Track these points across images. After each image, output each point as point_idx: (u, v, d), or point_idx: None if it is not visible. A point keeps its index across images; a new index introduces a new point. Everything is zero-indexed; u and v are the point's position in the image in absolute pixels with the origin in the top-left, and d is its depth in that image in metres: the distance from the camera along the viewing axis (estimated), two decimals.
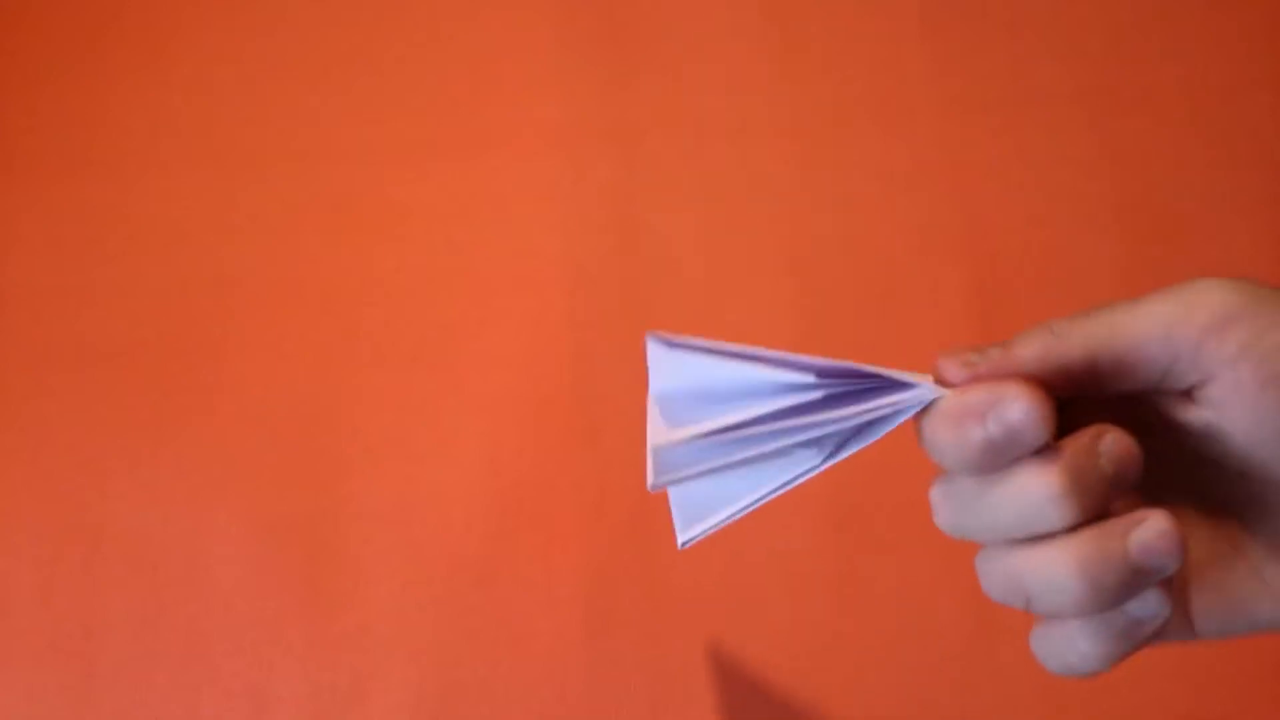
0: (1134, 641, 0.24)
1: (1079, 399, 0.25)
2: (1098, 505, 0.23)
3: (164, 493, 0.57)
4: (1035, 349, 0.25)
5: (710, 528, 0.28)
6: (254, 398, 0.58)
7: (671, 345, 0.28)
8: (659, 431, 0.28)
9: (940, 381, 0.25)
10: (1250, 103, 0.62)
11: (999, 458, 0.23)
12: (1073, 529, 0.23)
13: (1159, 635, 0.25)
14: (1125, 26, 0.64)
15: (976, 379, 0.24)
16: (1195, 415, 0.25)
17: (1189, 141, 0.61)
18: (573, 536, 0.55)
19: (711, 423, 0.27)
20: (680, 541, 0.29)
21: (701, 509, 0.29)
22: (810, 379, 0.26)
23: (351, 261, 0.61)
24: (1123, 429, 0.24)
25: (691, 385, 0.28)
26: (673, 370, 0.28)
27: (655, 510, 0.55)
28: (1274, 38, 0.63)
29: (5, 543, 0.56)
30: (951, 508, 0.25)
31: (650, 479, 0.28)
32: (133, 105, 0.64)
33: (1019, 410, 0.23)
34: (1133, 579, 0.23)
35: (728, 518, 0.28)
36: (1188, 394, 0.25)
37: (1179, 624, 0.26)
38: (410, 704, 0.53)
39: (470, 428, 0.57)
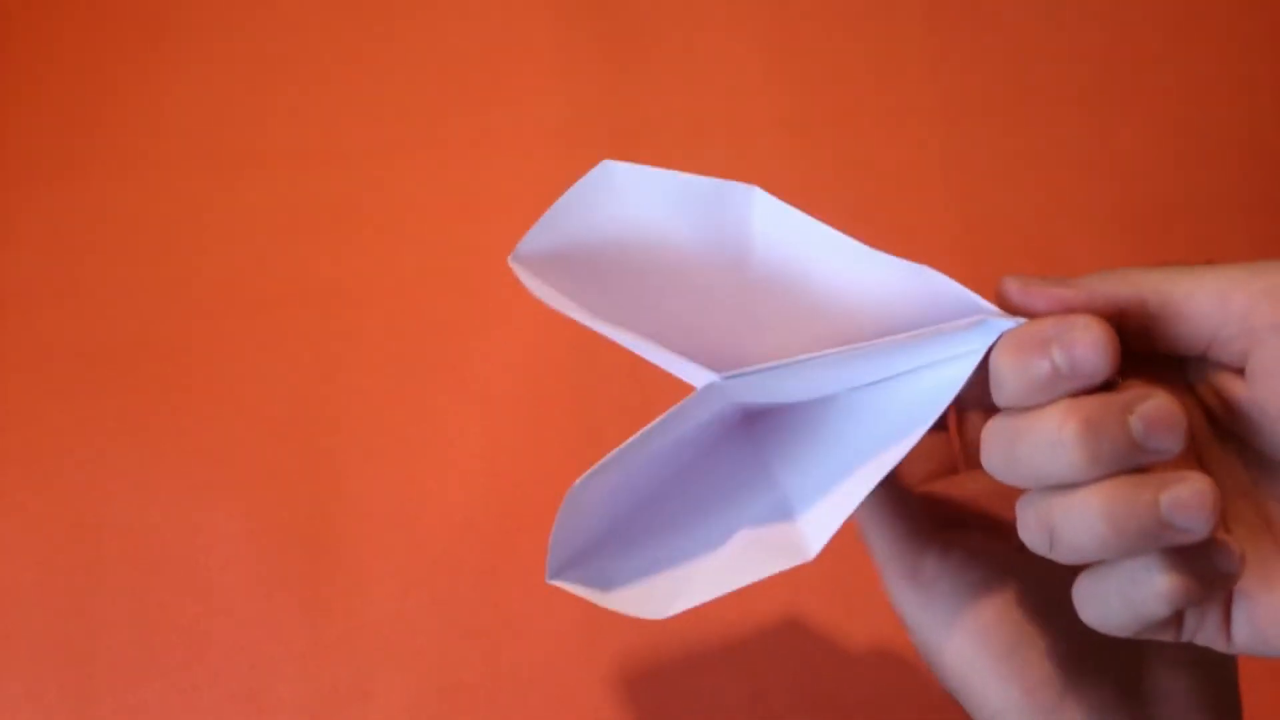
0: (1195, 595, 0.23)
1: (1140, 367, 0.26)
2: (1117, 460, 0.22)
3: (164, 493, 0.57)
4: (1084, 286, 0.25)
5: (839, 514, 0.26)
6: (254, 398, 0.58)
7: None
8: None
9: (1005, 307, 0.26)
10: (1250, 103, 0.62)
11: (1053, 390, 0.23)
12: (1101, 479, 0.23)
13: (1195, 629, 0.24)
14: (1125, 27, 0.64)
15: (1044, 306, 0.25)
16: (1244, 394, 0.24)
17: (1188, 141, 0.61)
18: None
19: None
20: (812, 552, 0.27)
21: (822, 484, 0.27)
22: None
23: (351, 261, 0.61)
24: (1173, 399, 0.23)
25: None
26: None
27: None
28: (1273, 38, 0.63)
29: (5, 543, 0.56)
30: (998, 445, 0.25)
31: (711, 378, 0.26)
32: (132, 105, 0.64)
33: (1088, 341, 0.23)
34: (1158, 530, 0.22)
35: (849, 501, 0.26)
36: (1240, 372, 0.25)
37: (1212, 628, 0.25)
38: (410, 704, 0.53)
39: (470, 428, 0.57)
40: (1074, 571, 0.26)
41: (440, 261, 0.60)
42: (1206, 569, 0.23)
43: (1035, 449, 0.23)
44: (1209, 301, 0.24)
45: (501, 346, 0.59)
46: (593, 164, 0.29)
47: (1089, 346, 0.23)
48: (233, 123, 0.64)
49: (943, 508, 0.32)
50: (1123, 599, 0.23)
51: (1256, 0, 0.64)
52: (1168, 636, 0.25)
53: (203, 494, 0.57)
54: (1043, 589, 0.29)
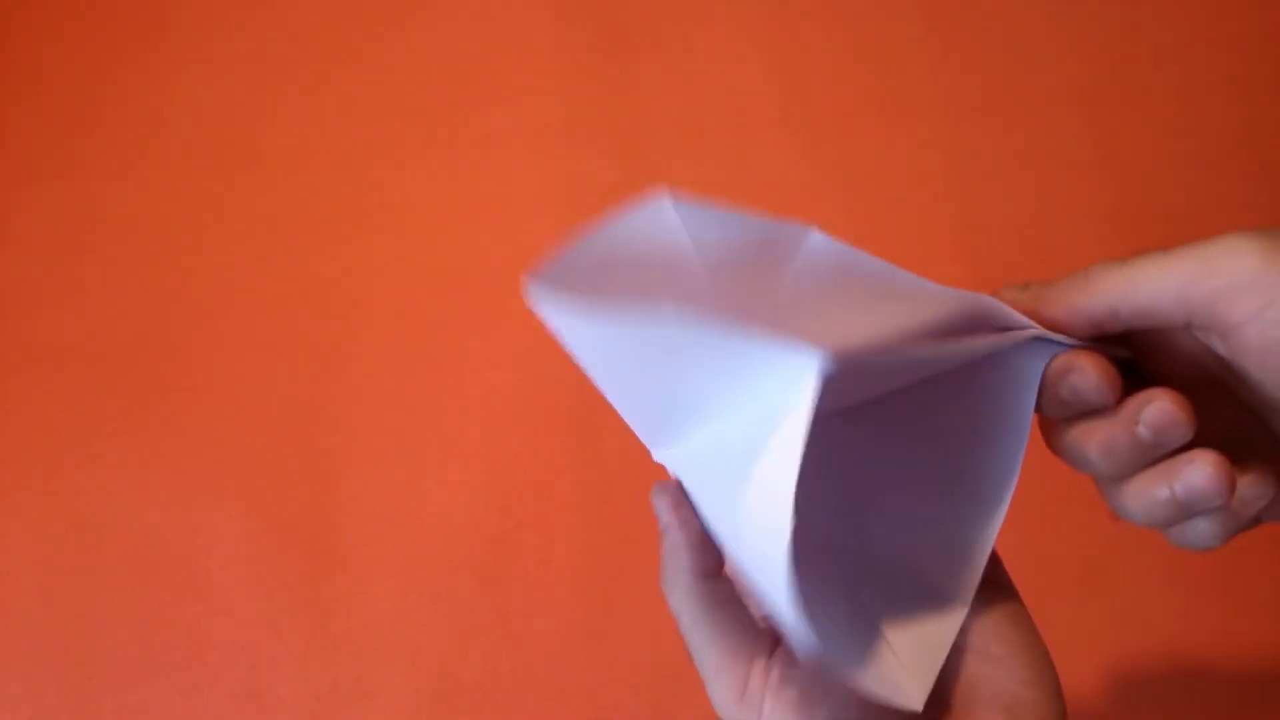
0: (1239, 522, 0.28)
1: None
2: (1139, 462, 0.27)
3: (164, 493, 0.57)
4: (1061, 303, 0.28)
5: None
6: (254, 398, 0.58)
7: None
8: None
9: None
10: (1250, 103, 0.62)
11: (1075, 410, 0.27)
12: (1133, 475, 0.27)
13: (1269, 515, 0.28)
14: (1125, 26, 0.64)
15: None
16: (1227, 353, 0.27)
17: (1188, 141, 0.61)
18: (573, 536, 0.55)
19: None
20: None
21: None
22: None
23: (351, 261, 0.61)
24: (1175, 392, 0.26)
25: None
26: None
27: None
28: (1274, 38, 0.63)
29: (5, 543, 0.56)
30: (1053, 447, 0.29)
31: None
32: (132, 105, 0.64)
33: (1088, 378, 0.27)
34: (1186, 511, 0.26)
35: None
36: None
37: None
38: (410, 704, 0.53)
39: (470, 428, 0.57)
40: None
41: (440, 261, 0.60)
42: (1238, 505, 0.27)
43: (1078, 462, 0.28)
44: (1172, 304, 0.26)
45: (501, 346, 0.59)
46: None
47: (1089, 381, 0.27)
48: (233, 123, 0.64)
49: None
50: (1185, 540, 0.28)
51: (1256, 0, 0.64)
52: (1251, 528, 0.28)
53: (203, 494, 0.57)
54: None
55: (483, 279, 0.60)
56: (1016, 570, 0.37)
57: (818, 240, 0.26)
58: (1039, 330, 0.27)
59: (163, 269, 0.61)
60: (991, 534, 0.28)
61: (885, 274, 0.26)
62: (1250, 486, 0.27)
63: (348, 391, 0.58)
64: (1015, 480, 0.28)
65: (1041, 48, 0.64)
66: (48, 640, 0.54)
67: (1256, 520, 0.28)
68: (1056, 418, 0.29)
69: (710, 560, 0.29)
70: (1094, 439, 0.27)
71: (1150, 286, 0.26)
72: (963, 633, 0.28)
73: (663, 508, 0.30)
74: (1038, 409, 0.28)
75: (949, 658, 0.28)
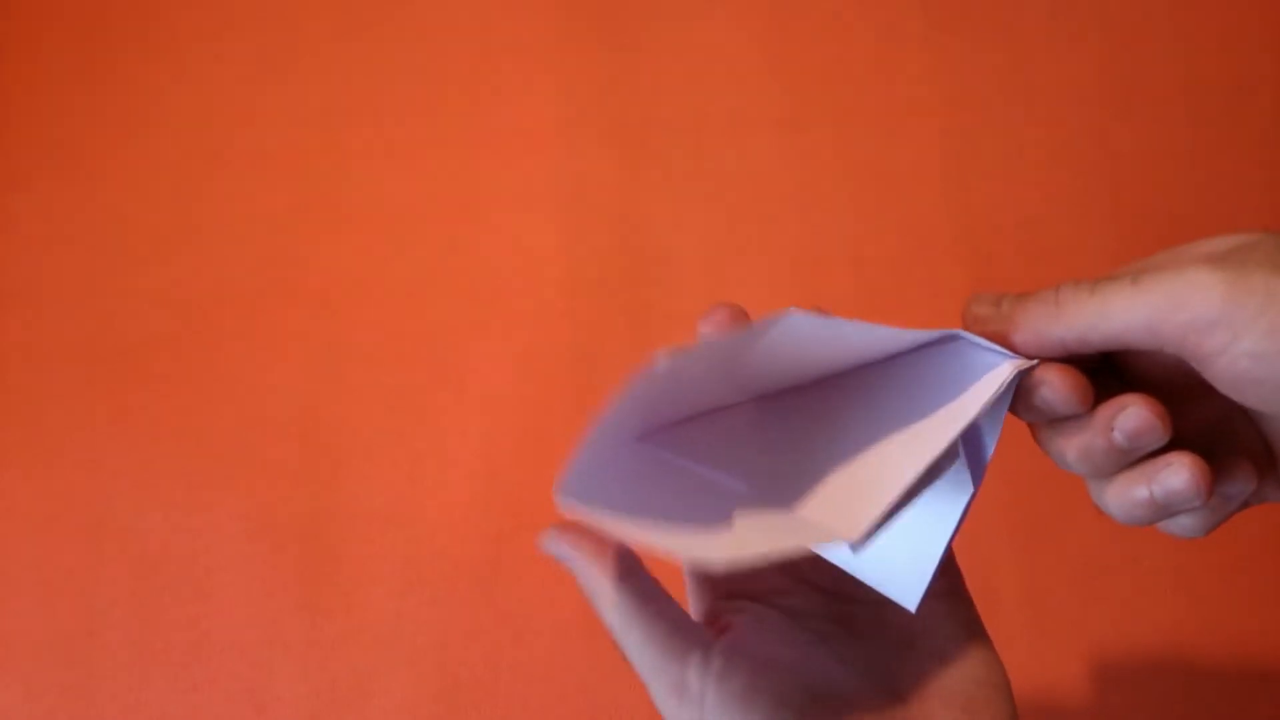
0: (1223, 514, 0.28)
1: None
2: (1116, 466, 0.27)
3: (164, 493, 0.57)
4: (1031, 330, 0.28)
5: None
6: (253, 398, 0.58)
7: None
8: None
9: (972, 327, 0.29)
10: (1250, 103, 0.62)
11: (1044, 418, 0.28)
12: (1114, 475, 0.28)
13: (1255, 500, 0.29)
14: (1125, 26, 0.64)
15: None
16: (1201, 374, 0.27)
17: (1189, 141, 0.61)
18: None
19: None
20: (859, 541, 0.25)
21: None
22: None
23: (351, 261, 0.61)
24: (1149, 397, 0.27)
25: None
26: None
27: None
28: (1274, 38, 0.63)
29: (5, 543, 0.56)
30: (1038, 441, 0.30)
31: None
32: (132, 105, 0.64)
33: (1061, 392, 0.27)
34: (1166, 512, 0.27)
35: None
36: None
37: (1275, 488, 0.29)
38: (410, 704, 0.53)
39: (470, 428, 0.57)
40: (829, 654, 0.29)
41: (440, 261, 0.60)
42: (1218, 502, 0.28)
43: (1062, 463, 0.29)
44: (1142, 335, 0.26)
45: (501, 346, 0.59)
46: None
47: (1059, 394, 0.27)
48: (232, 123, 0.64)
49: (707, 590, 0.31)
50: (1169, 530, 0.29)
51: (1256, 0, 0.64)
52: (1238, 512, 0.29)
53: (203, 494, 0.57)
54: (807, 673, 0.28)
55: (483, 279, 0.60)
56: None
57: (795, 317, 0.26)
58: (1011, 360, 0.28)
59: (163, 269, 0.61)
60: (944, 541, 0.28)
61: (857, 329, 0.26)
62: (1231, 484, 0.28)
63: (347, 392, 0.58)
64: (974, 486, 0.28)
65: (1041, 47, 0.64)
66: (48, 640, 0.54)
67: (1243, 504, 0.29)
68: (1034, 423, 0.29)
69: (627, 561, 0.29)
70: (1071, 444, 0.28)
71: (1121, 318, 0.26)
72: (915, 632, 0.29)
73: (562, 548, 0.30)
74: (1014, 413, 0.29)
75: (902, 656, 0.29)
